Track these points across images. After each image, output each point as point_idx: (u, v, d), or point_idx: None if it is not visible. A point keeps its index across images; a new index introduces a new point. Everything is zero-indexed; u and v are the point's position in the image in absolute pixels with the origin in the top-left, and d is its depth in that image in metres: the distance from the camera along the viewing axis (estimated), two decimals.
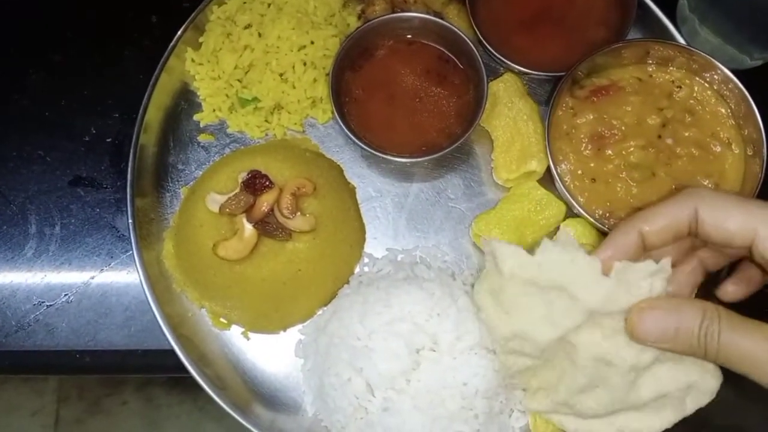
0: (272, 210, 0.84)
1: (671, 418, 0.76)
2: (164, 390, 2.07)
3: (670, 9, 1.02)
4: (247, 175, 0.85)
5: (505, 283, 0.72)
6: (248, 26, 0.98)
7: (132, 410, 2.06)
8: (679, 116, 0.91)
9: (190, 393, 2.01)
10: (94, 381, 2.04)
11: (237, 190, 0.85)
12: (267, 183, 0.84)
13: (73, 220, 0.98)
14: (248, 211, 0.84)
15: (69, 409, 2.05)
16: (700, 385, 0.74)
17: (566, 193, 0.88)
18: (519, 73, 0.98)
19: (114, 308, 0.95)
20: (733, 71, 0.90)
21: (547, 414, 0.80)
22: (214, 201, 0.85)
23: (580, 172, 0.90)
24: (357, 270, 0.95)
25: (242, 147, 0.99)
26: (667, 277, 0.68)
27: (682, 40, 1.00)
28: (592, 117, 0.91)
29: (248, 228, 0.84)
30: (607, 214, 0.88)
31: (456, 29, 0.95)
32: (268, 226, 0.84)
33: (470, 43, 0.95)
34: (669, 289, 0.69)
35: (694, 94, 0.92)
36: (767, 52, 1.00)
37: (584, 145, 0.91)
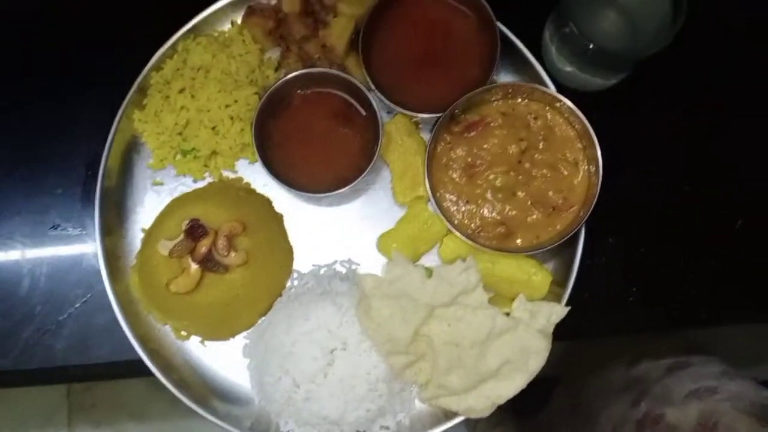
0: (211, 250, 1.07)
1: (522, 379, 1.02)
2: None
3: (536, 41, 1.20)
4: (188, 224, 1.07)
5: (370, 302, 0.98)
6: (182, 90, 1.17)
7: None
8: (535, 143, 1.12)
9: None
10: None
11: (181, 237, 1.07)
12: (202, 231, 1.06)
13: (56, 261, 1.21)
14: (192, 253, 1.07)
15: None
16: (533, 347, 1.00)
17: (441, 215, 1.09)
18: (408, 115, 1.17)
19: (97, 330, 1.18)
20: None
21: (435, 400, 1.05)
22: (165, 246, 1.07)
23: (455, 197, 1.12)
24: (288, 284, 1.17)
25: (187, 189, 1.20)
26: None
27: (541, 70, 1.18)
28: (465, 149, 1.12)
29: (193, 266, 1.07)
30: (479, 230, 1.11)
31: (353, 80, 1.14)
32: (209, 263, 1.07)
33: (365, 90, 1.14)
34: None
35: (548, 123, 1.13)
36: (621, 74, 1.19)
37: (459, 174, 1.12)
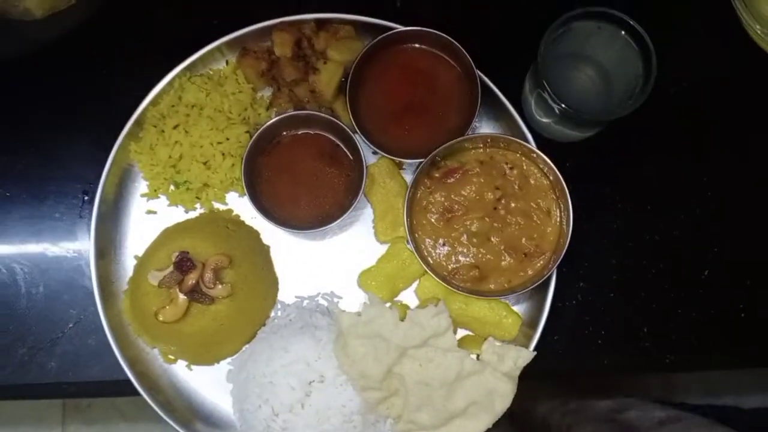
0: (198, 283, 1.13)
1: (488, 419, 1.09)
2: None
3: (516, 92, 1.26)
4: (177, 256, 1.13)
5: (346, 340, 1.04)
6: (176, 126, 1.22)
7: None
8: (511, 191, 1.17)
9: None
10: None
11: (171, 269, 1.13)
12: (190, 264, 1.12)
13: (52, 282, 1.26)
14: (180, 284, 1.13)
15: None
16: (498, 390, 1.06)
17: (418, 256, 1.15)
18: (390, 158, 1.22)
19: (89, 349, 1.24)
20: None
21: None
22: (154, 277, 1.13)
23: (432, 239, 1.17)
24: (272, 314, 1.23)
25: (179, 219, 1.25)
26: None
27: (520, 120, 1.22)
28: (444, 194, 1.18)
29: (181, 297, 1.12)
30: (454, 272, 1.16)
31: (340, 122, 1.20)
32: (195, 294, 1.13)
33: (350, 133, 1.20)
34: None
35: (524, 172, 1.18)
36: (596, 129, 1.24)
37: (437, 217, 1.18)
